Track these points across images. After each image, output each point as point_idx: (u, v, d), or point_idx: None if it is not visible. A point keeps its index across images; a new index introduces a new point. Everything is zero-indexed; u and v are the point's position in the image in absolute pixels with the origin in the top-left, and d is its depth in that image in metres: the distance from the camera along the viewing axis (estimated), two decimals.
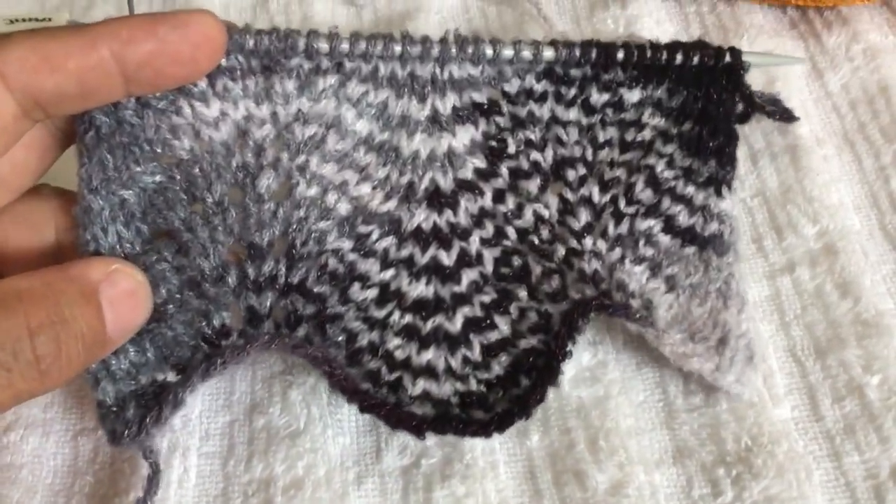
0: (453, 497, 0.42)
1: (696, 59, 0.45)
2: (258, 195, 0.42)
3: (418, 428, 0.40)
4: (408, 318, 0.43)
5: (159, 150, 0.41)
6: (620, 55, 0.45)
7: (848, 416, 0.44)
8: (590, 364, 0.45)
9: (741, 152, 0.52)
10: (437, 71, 0.44)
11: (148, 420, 0.38)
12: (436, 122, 0.45)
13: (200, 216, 0.41)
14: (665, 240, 0.45)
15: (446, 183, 0.45)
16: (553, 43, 0.45)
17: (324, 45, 0.42)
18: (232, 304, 0.41)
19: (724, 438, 0.43)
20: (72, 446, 0.44)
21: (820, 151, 0.53)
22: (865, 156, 0.54)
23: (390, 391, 0.42)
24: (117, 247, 0.40)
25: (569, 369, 0.45)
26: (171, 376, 0.40)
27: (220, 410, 0.44)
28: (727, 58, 0.46)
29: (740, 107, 0.47)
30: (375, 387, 0.42)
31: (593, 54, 0.45)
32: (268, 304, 0.41)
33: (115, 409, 0.39)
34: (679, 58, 0.45)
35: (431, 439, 0.43)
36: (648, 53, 0.45)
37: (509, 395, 0.42)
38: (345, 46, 0.43)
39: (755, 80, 0.56)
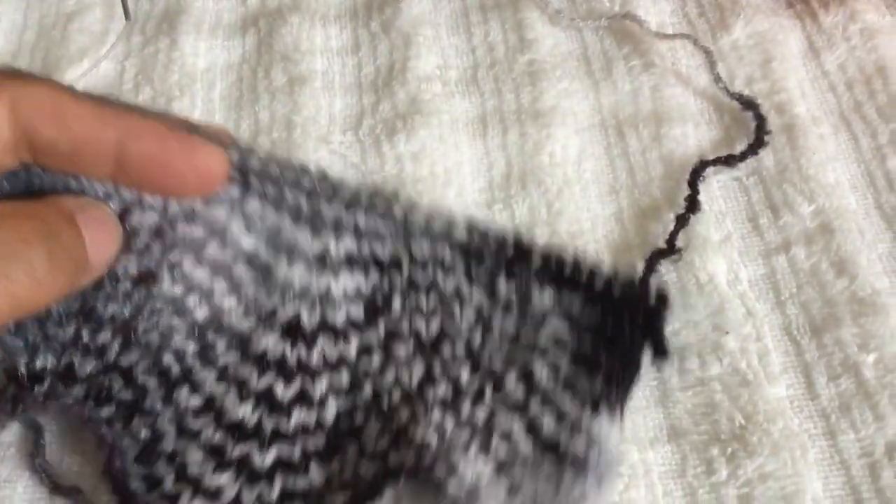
0: None
1: (616, 292, 0.42)
2: (115, 273, 0.40)
3: None
4: (219, 436, 0.41)
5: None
6: (536, 262, 0.42)
7: (843, 395, 0.43)
8: None
9: (739, 132, 0.52)
10: (343, 215, 0.42)
11: None
12: (321, 262, 0.42)
13: None
14: (524, 442, 0.40)
15: (309, 320, 0.42)
16: (469, 227, 0.43)
17: (234, 157, 0.41)
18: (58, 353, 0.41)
19: (719, 417, 0.43)
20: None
21: (816, 131, 0.53)
22: (862, 135, 0.53)
23: (161, 502, 0.40)
24: None
25: None
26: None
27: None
28: (651, 301, 0.42)
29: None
30: (149, 492, 0.40)
31: (507, 252, 0.43)
32: (87, 370, 0.40)
33: None
34: (599, 285, 0.42)
35: None
36: (568, 270, 0.42)
37: None
38: (255, 164, 0.41)
39: (753, 59, 0.56)
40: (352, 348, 0.42)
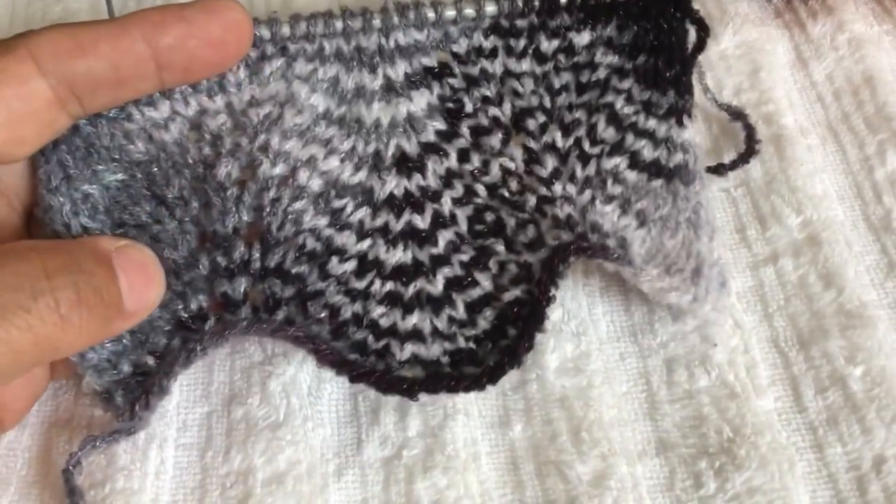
0: (435, 488, 0.41)
1: None
2: (218, 184, 0.42)
3: (409, 390, 0.41)
4: (389, 285, 0.43)
5: (116, 156, 0.41)
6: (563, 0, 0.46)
7: (831, 408, 0.44)
8: (573, 355, 0.45)
9: (727, 143, 0.52)
10: (383, 41, 0.45)
11: (137, 407, 0.39)
12: (391, 90, 0.45)
13: (166, 209, 0.42)
14: (632, 176, 0.45)
15: (411, 147, 0.45)
16: None
17: (265, 33, 0.43)
18: (207, 289, 0.41)
19: (707, 430, 0.43)
20: (46, 438, 0.43)
21: (804, 141, 0.53)
22: (849, 146, 0.53)
23: (378, 359, 0.42)
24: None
25: (552, 359, 0.44)
26: (151, 362, 0.40)
27: (197, 401, 0.44)
28: None
29: (693, 34, 0.47)
30: (363, 356, 0.42)
31: (536, 1, 0.46)
32: (241, 289, 0.41)
33: (105, 397, 0.39)
34: None
35: (413, 430, 0.43)
36: None
37: (498, 346, 0.42)
38: (286, 31, 0.43)
39: (741, 69, 0.56)
40: (452, 159, 0.45)
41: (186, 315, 0.41)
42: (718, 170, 0.51)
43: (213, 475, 0.42)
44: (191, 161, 0.42)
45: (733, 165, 0.51)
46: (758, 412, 0.43)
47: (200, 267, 0.41)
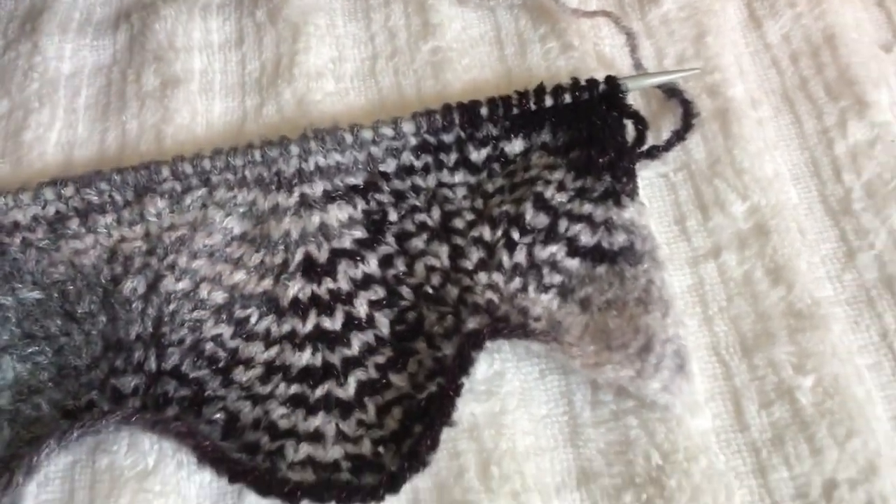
0: None
1: (567, 98, 0.45)
2: (124, 299, 0.43)
3: (291, 494, 0.37)
4: (294, 387, 0.41)
5: (37, 279, 0.43)
6: (484, 111, 0.45)
7: (776, 425, 0.39)
8: (486, 375, 0.40)
9: (666, 122, 0.47)
10: (303, 164, 0.45)
11: None
12: (304, 205, 0.45)
13: (76, 323, 0.42)
14: (573, 264, 0.42)
15: (321, 253, 0.44)
16: (413, 116, 0.45)
17: (188, 168, 0.44)
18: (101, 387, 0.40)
19: (634, 457, 0.38)
20: None
21: (754, 114, 0.47)
22: (806, 117, 0.48)
23: (266, 459, 0.39)
24: None
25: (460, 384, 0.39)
26: (25, 448, 0.38)
27: (60, 450, 0.39)
28: (601, 88, 0.45)
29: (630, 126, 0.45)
30: (251, 456, 0.39)
31: (455, 117, 0.45)
32: (131, 385, 0.41)
33: None
34: (549, 100, 0.45)
35: None
36: (515, 102, 0.45)
37: (402, 448, 0.38)
38: (206, 164, 0.44)
39: (684, 34, 0.50)
40: (372, 264, 0.44)
41: (72, 407, 0.40)
42: (652, 153, 0.45)
43: None
44: (103, 280, 0.44)
45: (667, 146, 0.45)
46: (692, 434, 0.38)
47: (99, 371, 0.41)
